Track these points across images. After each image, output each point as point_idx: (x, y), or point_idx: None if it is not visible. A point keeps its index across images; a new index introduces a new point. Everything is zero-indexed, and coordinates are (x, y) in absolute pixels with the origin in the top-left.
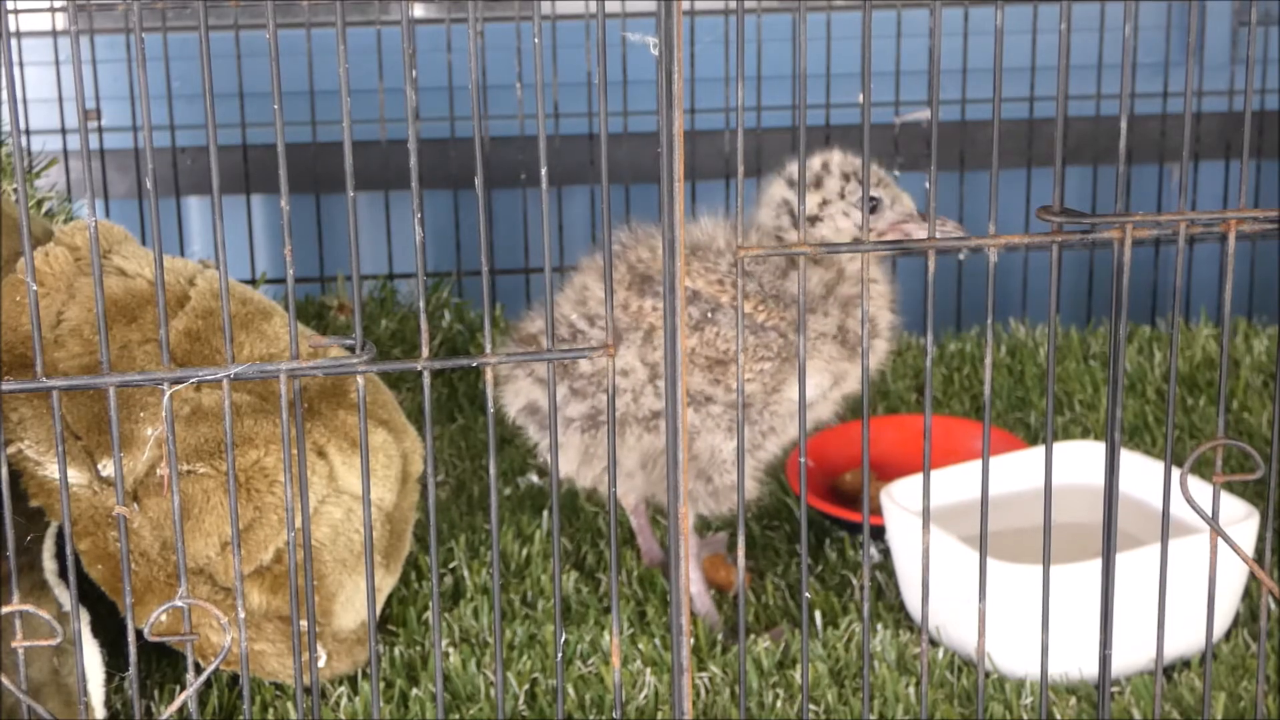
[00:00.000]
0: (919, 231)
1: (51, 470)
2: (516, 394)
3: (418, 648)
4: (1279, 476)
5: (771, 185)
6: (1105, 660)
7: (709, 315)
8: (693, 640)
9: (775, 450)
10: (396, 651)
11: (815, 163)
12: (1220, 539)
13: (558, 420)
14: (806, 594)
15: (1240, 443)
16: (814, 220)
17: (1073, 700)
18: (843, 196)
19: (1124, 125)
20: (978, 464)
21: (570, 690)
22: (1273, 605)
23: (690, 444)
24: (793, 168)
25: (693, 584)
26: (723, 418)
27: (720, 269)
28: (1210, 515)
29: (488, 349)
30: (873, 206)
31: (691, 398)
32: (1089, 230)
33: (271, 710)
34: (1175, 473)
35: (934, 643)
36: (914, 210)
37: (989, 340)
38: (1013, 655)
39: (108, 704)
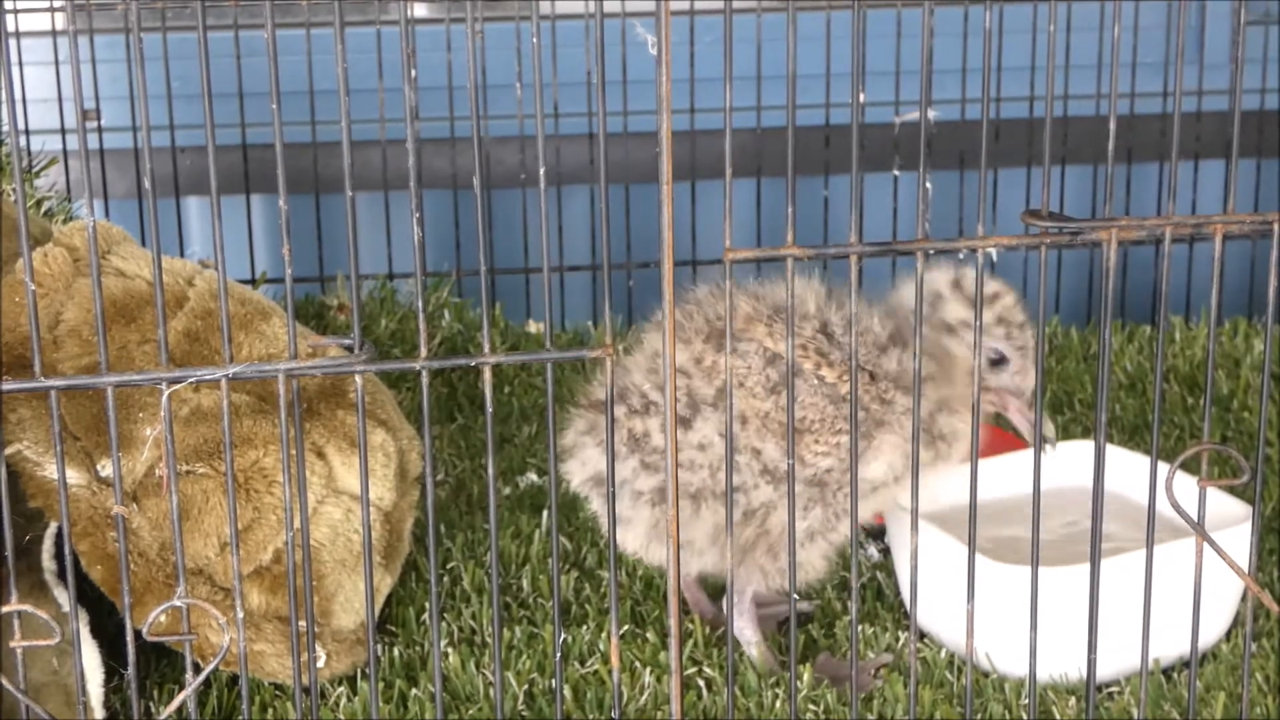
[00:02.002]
0: (1016, 416)
1: (50, 471)
2: (583, 464)
3: (417, 648)
4: (1264, 482)
5: (937, 278)
6: (1092, 664)
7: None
8: (692, 642)
9: (847, 534)
10: (395, 652)
11: (991, 287)
12: (1206, 543)
13: (624, 495)
14: (794, 595)
15: (1227, 448)
16: (951, 329)
17: (1072, 701)
18: (987, 334)
19: (1113, 127)
20: (979, 464)
21: (569, 691)
22: (1273, 607)
23: (765, 518)
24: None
25: (752, 646)
26: (801, 496)
27: (804, 332)
28: (1196, 519)
29: (486, 348)
30: (998, 359)
31: (770, 472)
32: (1077, 233)
33: (270, 710)
34: (1163, 476)
35: (934, 643)
36: (1027, 393)
37: (977, 341)
38: (1012, 655)
39: (106, 704)
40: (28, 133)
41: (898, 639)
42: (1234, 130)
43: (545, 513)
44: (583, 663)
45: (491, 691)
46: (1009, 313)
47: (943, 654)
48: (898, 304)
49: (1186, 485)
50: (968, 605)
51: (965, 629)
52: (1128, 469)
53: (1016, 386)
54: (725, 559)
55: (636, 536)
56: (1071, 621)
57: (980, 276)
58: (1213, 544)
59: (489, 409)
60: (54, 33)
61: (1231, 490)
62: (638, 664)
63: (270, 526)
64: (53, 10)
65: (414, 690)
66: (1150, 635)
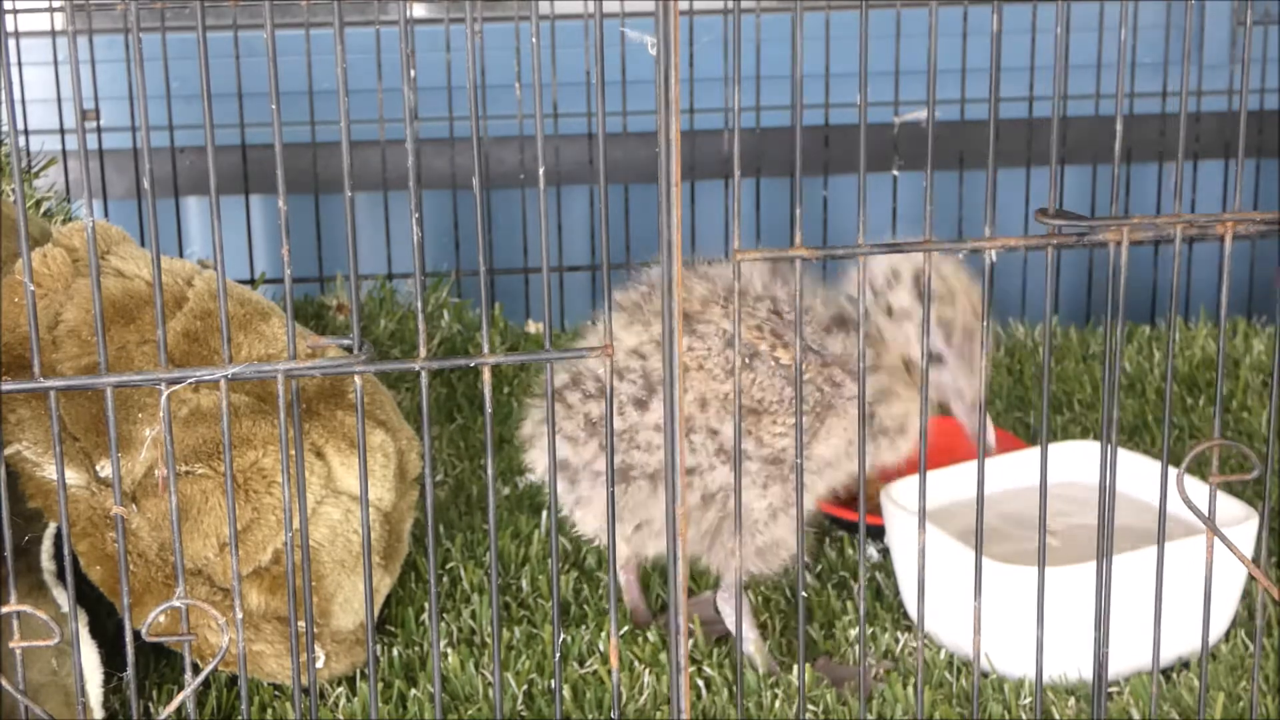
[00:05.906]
0: (959, 414)
1: (50, 471)
2: (544, 452)
3: (416, 648)
4: (1276, 477)
5: (900, 262)
6: (1102, 660)
7: (745, 362)
8: (692, 641)
9: (809, 506)
10: (395, 652)
11: (949, 286)
12: (1217, 539)
13: (584, 476)
14: (803, 593)
15: (1236, 443)
16: (890, 312)
17: (1071, 701)
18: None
19: (1119, 127)
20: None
21: (568, 691)
22: (1271, 605)
23: (726, 502)
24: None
25: (748, 643)
26: (758, 475)
27: (759, 314)
28: (1207, 516)
29: (485, 349)
30: (935, 357)
31: (726, 453)
32: (1085, 232)
33: (270, 711)
34: (1172, 473)
35: (934, 643)
36: (968, 397)
37: (984, 341)
38: (1011, 656)
39: (106, 704)
40: (27, 133)
41: (897, 640)
42: (1240, 129)
43: (544, 513)
44: (582, 663)
45: (491, 692)
46: (952, 315)
47: (942, 654)
48: (844, 289)
49: (1187, 485)
50: (974, 604)
51: (966, 628)
52: (1127, 469)
53: (956, 389)
54: (721, 561)
55: (596, 516)
56: (1071, 621)
57: (986, 277)
58: (1223, 538)
59: (488, 409)
60: (54, 33)
61: (1235, 489)
62: (637, 664)
63: (269, 527)
64: (52, 10)
65: (413, 690)
66: (1150, 634)
